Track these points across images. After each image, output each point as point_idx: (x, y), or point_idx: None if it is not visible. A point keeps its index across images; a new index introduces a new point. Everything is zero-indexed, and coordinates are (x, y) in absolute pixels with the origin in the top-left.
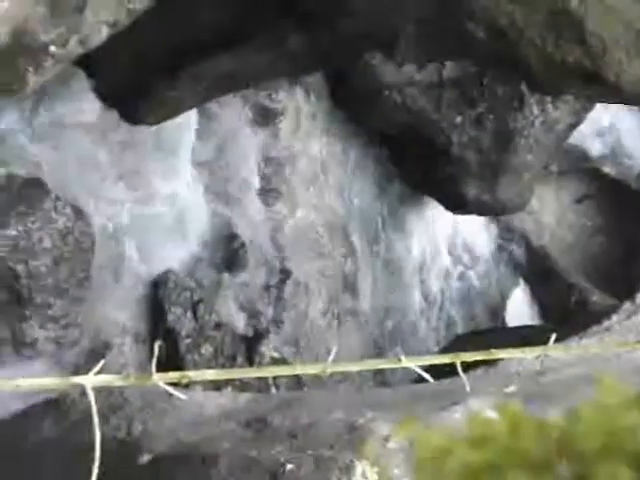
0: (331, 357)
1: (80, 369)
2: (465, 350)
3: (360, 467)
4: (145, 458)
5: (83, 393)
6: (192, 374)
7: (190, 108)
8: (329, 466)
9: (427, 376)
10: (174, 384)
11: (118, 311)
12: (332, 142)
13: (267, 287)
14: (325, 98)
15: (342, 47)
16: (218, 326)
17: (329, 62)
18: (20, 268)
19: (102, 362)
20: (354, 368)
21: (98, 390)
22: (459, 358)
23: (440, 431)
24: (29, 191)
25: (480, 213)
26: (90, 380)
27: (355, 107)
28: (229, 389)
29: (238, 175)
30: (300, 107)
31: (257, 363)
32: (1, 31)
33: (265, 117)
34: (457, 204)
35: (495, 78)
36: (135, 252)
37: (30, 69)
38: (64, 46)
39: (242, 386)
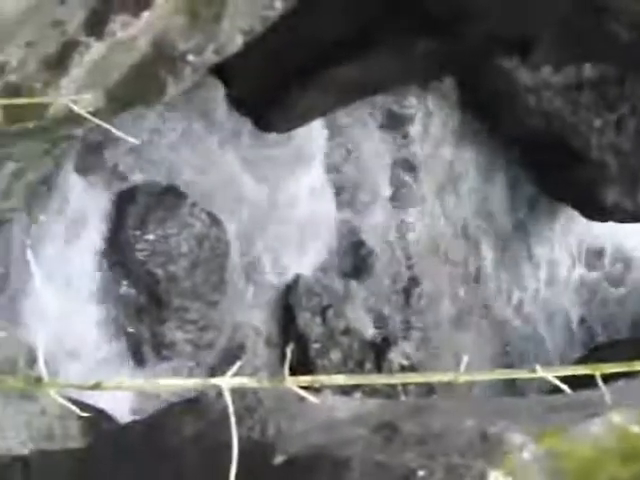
0: (463, 365)
1: (216, 370)
2: (604, 361)
3: (493, 476)
4: (279, 459)
5: (220, 394)
6: (323, 378)
7: (320, 115)
8: (461, 474)
9: (564, 387)
10: (306, 387)
11: (251, 315)
12: (462, 147)
13: (395, 294)
14: (455, 102)
15: (472, 50)
16: (347, 332)
17: (459, 66)
18: (159, 272)
19: (238, 364)
20: (486, 377)
21: (234, 391)
22: (599, 369)
23: (585, 443)
24: (167, 197)
25: (619, 220)
26: (227, 382)
27: (486, 111)
28: (358, 394)
29: (367, 181)
30: (430, 112)
31: (386, 370)
32: (142, 41)
33: (395, 123)
34: (595, 210)
35: (636, 79)
36: (267, 257)
37: (169, 78)
38: (201, 54)
39: (371, 392)
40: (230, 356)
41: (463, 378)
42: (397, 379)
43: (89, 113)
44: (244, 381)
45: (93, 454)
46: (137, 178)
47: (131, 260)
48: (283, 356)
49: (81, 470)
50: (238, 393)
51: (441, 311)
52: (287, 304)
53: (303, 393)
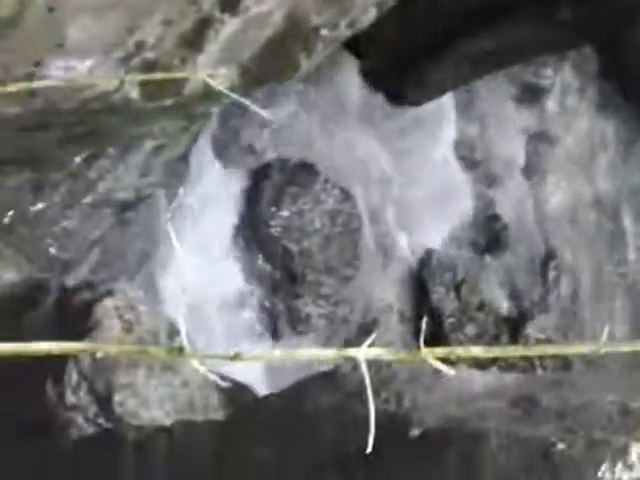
0: (604, 337)
1: (350, 345)
2: None
3: (635, 451)
4: (415, 432)
5: (355, 367)
6: (460, 350)
7: (454, 87)
8: (602, 448)
9: None
10: (442, 360)
11: (384, 290)
12: (602, 119)
13: (531, 268)
14: (593, 73)
15: (613, 18)
16: (481, 307)
17: (598, 35)
18: (293, 248)
19: (373, 336)
20: (628, 349)
21: (369, 364)
22: None
23: None
24: (300, 174)
25: None
26: (363, 353)
27: (626, 82)
28: (494, 369)
29: (502, 154)
30: (567, 83)
31: (522, 345)
32: (276, 16)
33: (530, 94)
34: None
35: None
36: (399, 232)
37: (302, 53)
38: (334, 28)
39: (507, 366)
40: (363, 331)
41: (604, 349)
42: (536, 351)
43: (225, 89)
44: (380, 352)
45: (233, 425)
46: (271, 155)
47: (266, 236)
48: (416, 331)
49: (222, 441)
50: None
51: (579, 284)
52: (420, 279)
53: (439, 365)
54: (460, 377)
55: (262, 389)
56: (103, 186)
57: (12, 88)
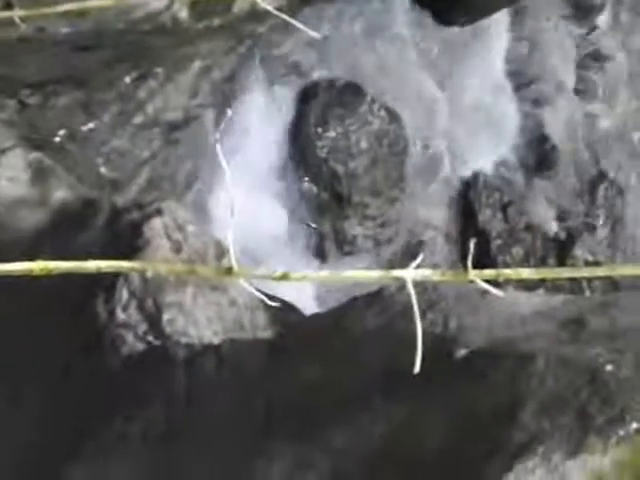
0: None
1: (395, 266)
2: None
3: None
4: (462, 352)
5: (401, 288)
6: (508, 272)
7: (503, 6)
8: None
9: None
10: (489, 282)
11: (430, 211)
12: None
13: (580, 189)
14: None
15: None
16: (529, 228)
17: None
18: (339, 168)
19: (420, 257)
20: None
21: (415, 285)
22: None
23: None
24: (347, 94)
25: None
26: (410, 274)
27: None
28: (541, 291)
29: (552, 74)
30: (621, 0)
31: (570, 266)
32: None
33: (582, 12)
34: None
35: None
36: (447, 153)
37: None
38: None
39: (554, 288)
40: (409, 252)
41: None
42: (585, 272)
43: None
44: (427, 273)
45: (280, 344)
46: (318, 75)
47: (312, 157)
48: (462, 253)
49: (270, 359)
50: (419, 287)
51: (628, 205)
52: (467, 201)
53: (487, 287)
54: (507, 299)
55: (309, 309)
56: (152, 106)
57: (63, 8)
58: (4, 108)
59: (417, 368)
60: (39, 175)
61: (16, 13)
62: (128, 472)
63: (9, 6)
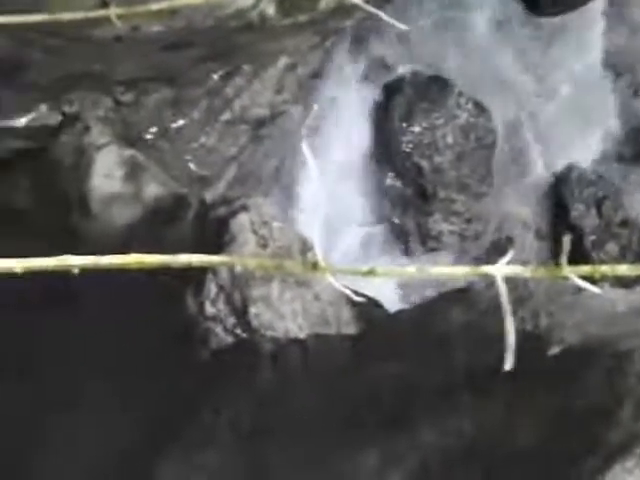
0: None
1: (482, 262)
2: None
3: None
4: (554, 350)
5: (489, 284)
6: (604, 268)
7: None
8: None
9: None
10: (583, 279)
11: (520, 206)
12: None
13: None
14: None
15: None
16: (625, 223)
17: None
18: (424, 164)
19: (510, 253)
20: None
21: (505, 282)
22: None
23: None
24: (433, 87)
25: None
26: (500, 270)
27: None
28: (639, 288)
29: None
30: None
31: None
32: None
33: None
34: None
35: None
36: (537, 147)
37: None
38: None
39: None
40: (497, 249)
41: None
42: None
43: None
44: (518, 270)
45: (365, 340)
46: (404, 69)
47: (397, 152)
48: (554, 250)
49: (353, 355)
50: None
51: None
52: (559, 195)
53: (583, 283)
54: (603, 296)
55: (394, 305)
56: (239, 103)
57: (155, 7)
58: (100, 106)
59: (508, 365)
60: (132, 171)
61: (113, 11)
62: (217, 464)
63: (105, 5)
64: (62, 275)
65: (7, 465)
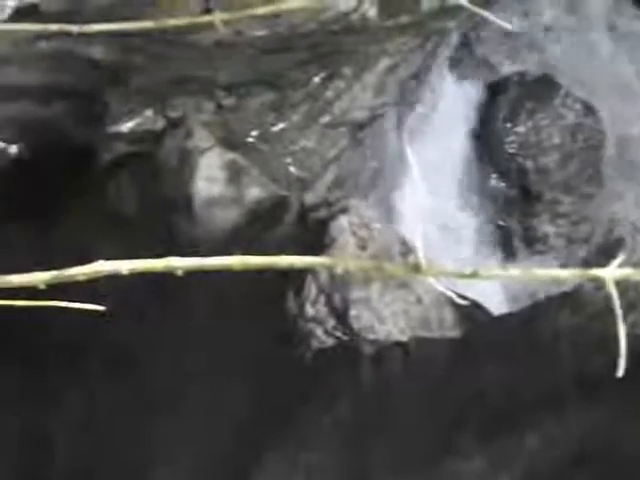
0: None
1: (590, 265)
2: None
3: None
4: None
5: (598, 287)
6: None
7: None
8: None
9: None
10: None
11: (630, 209)
12: None
13: None
14: None
15: None
16: None
17: None
18: (529, 164)
19: (622, 257)
20: None
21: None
22: None
23: None
24: (539, 87)
25: None
26: (611, 273)
27: None
28: None
29: None
30: None
31: None
32: None
33: None
34: None
35: None
36: None
37: None
38: None
39: None
40: (606, 252)
41: None
42: None
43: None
44: (630, 273)
45: (468, 344)
46: (508, 69)
47: (500, 153)
48: None
49: (457, 359)
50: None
51: None
52: None
53: None
54: None
55: (498, 308)
56: (339, 106)
57: (260, 11)
58: (203, 110)
59: (621, 371)
60: (234, 174)
61: (217, 17)
62: (318, 465)
63: (208, 11)
64: (167, 276)
65: (110, 464)
